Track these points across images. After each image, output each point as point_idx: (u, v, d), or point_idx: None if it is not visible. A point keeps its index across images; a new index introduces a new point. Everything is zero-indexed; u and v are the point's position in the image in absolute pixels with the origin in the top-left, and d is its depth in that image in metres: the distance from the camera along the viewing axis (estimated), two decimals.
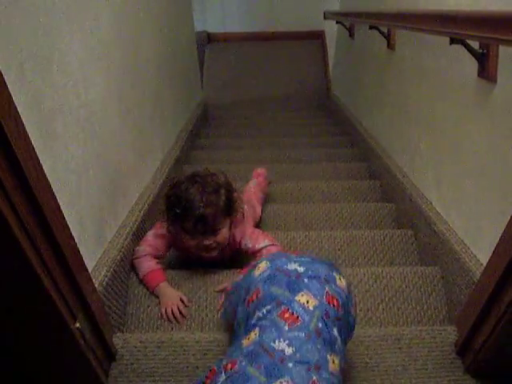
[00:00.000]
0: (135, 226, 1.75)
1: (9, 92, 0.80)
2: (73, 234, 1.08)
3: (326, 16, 4.20)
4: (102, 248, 1.50)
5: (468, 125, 1.56)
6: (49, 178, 0.95)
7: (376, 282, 1.69)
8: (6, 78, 0.79)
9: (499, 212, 1.34)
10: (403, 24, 1.99)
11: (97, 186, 1.47)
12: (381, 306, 1.64)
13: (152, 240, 1.74)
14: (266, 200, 2.37)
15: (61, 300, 1.01)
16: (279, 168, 2.89)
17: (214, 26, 5.74)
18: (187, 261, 1.83)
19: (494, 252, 1.19)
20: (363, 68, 3.31)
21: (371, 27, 2.66)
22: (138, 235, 1.78)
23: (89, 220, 1.39)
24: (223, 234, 1.64)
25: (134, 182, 1.91)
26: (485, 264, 1.39)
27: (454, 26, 1.42)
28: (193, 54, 3.98)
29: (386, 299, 1.65)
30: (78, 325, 1.09)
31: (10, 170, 0.80)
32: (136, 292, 1.67)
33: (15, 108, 0.82)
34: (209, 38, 5.74)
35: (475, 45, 1.42)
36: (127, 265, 1.66)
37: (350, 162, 3.09)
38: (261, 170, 2.46)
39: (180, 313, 1.60)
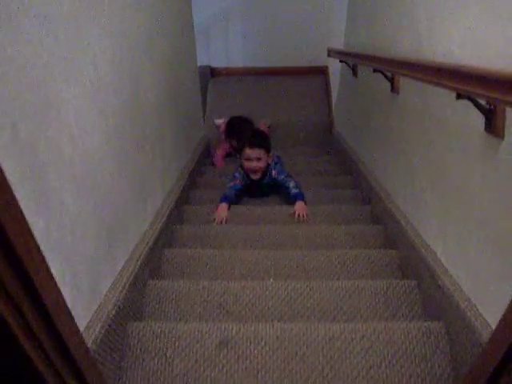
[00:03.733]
0: (132, 276, 1.70)
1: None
2: (66, 289, 1.05)
3: (330, 54, 4.19)
4: (97, 302, 1.46)
5: (475, 177, 1.52)
6: (41, 233, 0.91)
7: (378, 338, 1.63)
8: None
9: (508, 271, 1.30)
10: (408, 73, 1.95)
11: (92, 238, 1.43)
12: (384, 364, 1.59)
13: (221, 150, 4.20)
14: (263, 245, 2.45)
15: (51, 372, 0.97)
16: (278, 210, 2.86)
17: (217, 61, 5.76)
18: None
19: (502, 319, 1.14)
20: (366, 108, 3.29)
21: (375, 70, 2.64)
22: (136, 286, 1.73)
23: (83, 274, 1.34)
24: None
25: (133, 228, 1.87)
26: (491, 324, 1.35)
27: (460, 81, 1.38)
28: (195, 90, 3.99)
29: (389, 356, 1.60)
30: None
31: None
32: (132, 344, 1.63)
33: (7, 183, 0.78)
34: (212, 73, 5.76)
35: (483, 99, 1.38)
36: (123, 318, 1.61)
37: (352, 203, 3.05)
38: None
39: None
